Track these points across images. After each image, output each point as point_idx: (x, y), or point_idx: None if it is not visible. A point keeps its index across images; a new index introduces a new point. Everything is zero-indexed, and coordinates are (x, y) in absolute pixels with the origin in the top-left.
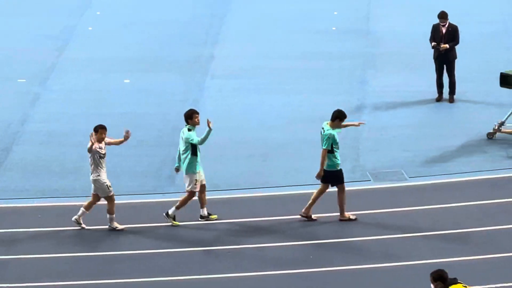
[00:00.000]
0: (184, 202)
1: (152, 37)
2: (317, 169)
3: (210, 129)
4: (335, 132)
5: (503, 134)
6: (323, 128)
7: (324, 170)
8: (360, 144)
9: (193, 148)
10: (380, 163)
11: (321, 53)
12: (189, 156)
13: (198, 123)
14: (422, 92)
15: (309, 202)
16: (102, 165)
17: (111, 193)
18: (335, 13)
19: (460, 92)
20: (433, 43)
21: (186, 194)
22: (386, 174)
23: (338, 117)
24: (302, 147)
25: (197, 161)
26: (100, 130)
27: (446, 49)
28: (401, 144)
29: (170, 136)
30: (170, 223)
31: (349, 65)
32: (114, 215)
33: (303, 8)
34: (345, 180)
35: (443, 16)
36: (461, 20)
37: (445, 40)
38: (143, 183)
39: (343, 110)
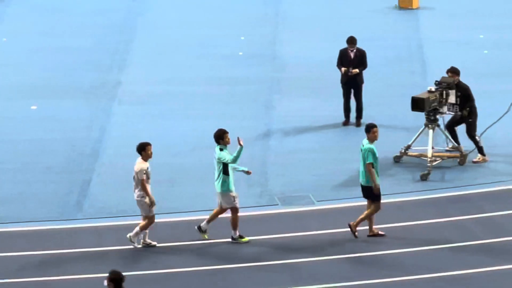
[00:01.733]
0: (234, 221)
1: (58, 64)
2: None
3: (241, 147)
4: (373, 146)
5: (410, 157)
6: (362, 145)
7: (362, 186)
8: (268, 168)
9: (224, 167)
10: (288, 187)
11: (227, 78)
12: (222, 175)
13: (229, 142)
14: (329, 117)
15: (369, 223)
16: (148, 184)
17: (153, 213)
18: (242, 38)
19: (366, 116)
20: (343, 68)
21: (230, 213)
22: (294, 198)
23: (366, 130)
24: (208, 172)
25: (229, 180)
26: (147, 147)
27: (355, 74)
28: (309, 168)
29: (77, 162)
30: (241, 242)
31: (255, 90)
32: (147, 231)
33: (210, 34)
34: (252, 205)
35: (352, 41)
36: (365, 45)
37: (353, 65)
38: (49, 209)
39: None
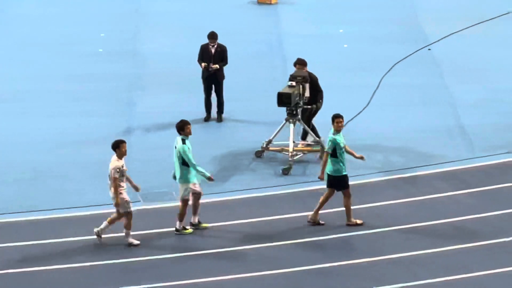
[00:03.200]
0: (182, 213)
1: None
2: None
3: (207, 177)
4: (336, 136)
5: (271, 152)
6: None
7: (329, 175)
8: (129, 165)
9: (182, 158)
10: (150, 184)
11: (87, 75)
12: (181, 165)
13: (190, 133)
14: (190, 112)
15: (316, 207)
16: (123, 182)
17: (130, 209)
18: (102, 35)
19: (228, 111)
20: (204, 64)
21: (180, 204)
22: (156, 194)
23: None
24: (70, 169)
25: (189, 171)
26: (121, 145)
27: (215, 69)
28: (171, 165)
29: None
30: (186, 233)
31: (116, 87)
32: (130, 231)
33: (70, 31)
34: None
35: (212, 36)
36: (226, 40)
37: (214, 60)
38: None
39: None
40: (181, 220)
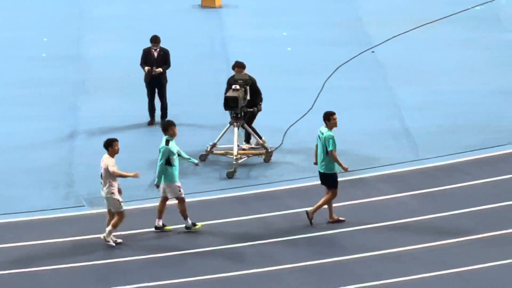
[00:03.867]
0: (183, 210)
1: None
2: None
3: (195, 163)
4: (333, 133)
5: (216, 155)
6: (321, 132)
7: (320, 172)
8: (74, 169)
9: (167, 158)
10: (95, 188)
11: (31, 80)
12: (165, 165)
13: (175, 134)
14: (135, 117)
15: (329, 209)
16: (115, 181)
17: (122, 209)
18: (45, 39)
19: (172, 115)
20: (147, 68)
21: (177, 203)
22: (101, 199)
23: (325, 118)
24: (16, 175)
25: (173, 170)
26: (113, 143)
27: (159, 73)
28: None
29: None
30: (194, 231)
31: (60, 91)
32: (112, 230)
33: (12, 36)
34: (58, 206)
35: (155, 40)
36: (169, 44)
37: (157, 64)
38: None
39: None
40: (186, 218)
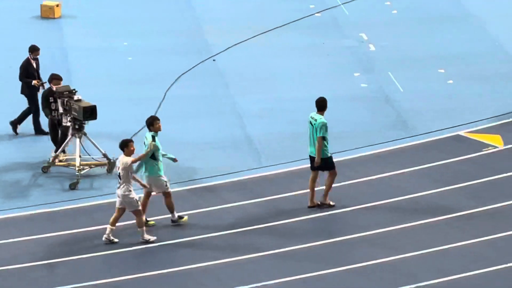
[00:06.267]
0: (169, 204)
1: None
2: None
3: (172, 158)
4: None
5: (58, 167)
6: (313, 118)
7: (311, 157)
8: None
9: (152, 153)
10: None
11: None
12: (150, 160)
13: (160, 129)
14: None
15: (310, 194)
16: (132, 181)
17: (139, 207)
18: None
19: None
20: (36, 81)
21: (164, 198)
22: None
23: (326, 106)
24: None
25: (158, 164)
26: (129, 144)
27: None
28: None
29: None
30: (182, 223)
31: None
32: (144, 228)
33: None
34: None
35: (35, 49)
36: (10, 56)
37: (38, 75)
38: None
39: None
40: (172, 211)
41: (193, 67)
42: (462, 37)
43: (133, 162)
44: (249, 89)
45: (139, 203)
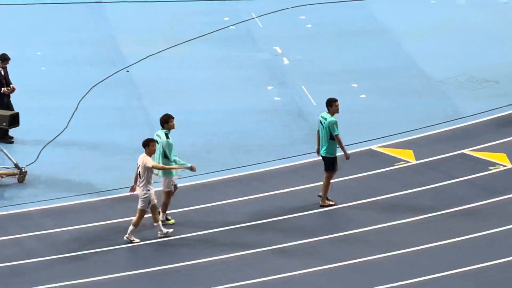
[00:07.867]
0: (166, 204)
1: None
2: None
3: (189, 168)
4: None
5: None
6: (323, 117)
7: (323, 157)
8: None
9: (164, 152)
10: None
11: None
12: (162, 159)
13: (173, 127)
14: None
15: (323, 193)
16: (152, 180)
17: (147, 209)
18: None
19: None
20: (6, 88)
21: (164, 195)
22: None
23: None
24: None
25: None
26: (151, 143)
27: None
28: None
29: None
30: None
31: None
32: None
33: None
34: None
35: (6, 58)
36: None
37: (7, 82)
38: None
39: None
40: (164, 211)
41: (106, 78)
42: (376, 52)
43: (153, 167)
44: (162, 100)
45: (151, 204)
